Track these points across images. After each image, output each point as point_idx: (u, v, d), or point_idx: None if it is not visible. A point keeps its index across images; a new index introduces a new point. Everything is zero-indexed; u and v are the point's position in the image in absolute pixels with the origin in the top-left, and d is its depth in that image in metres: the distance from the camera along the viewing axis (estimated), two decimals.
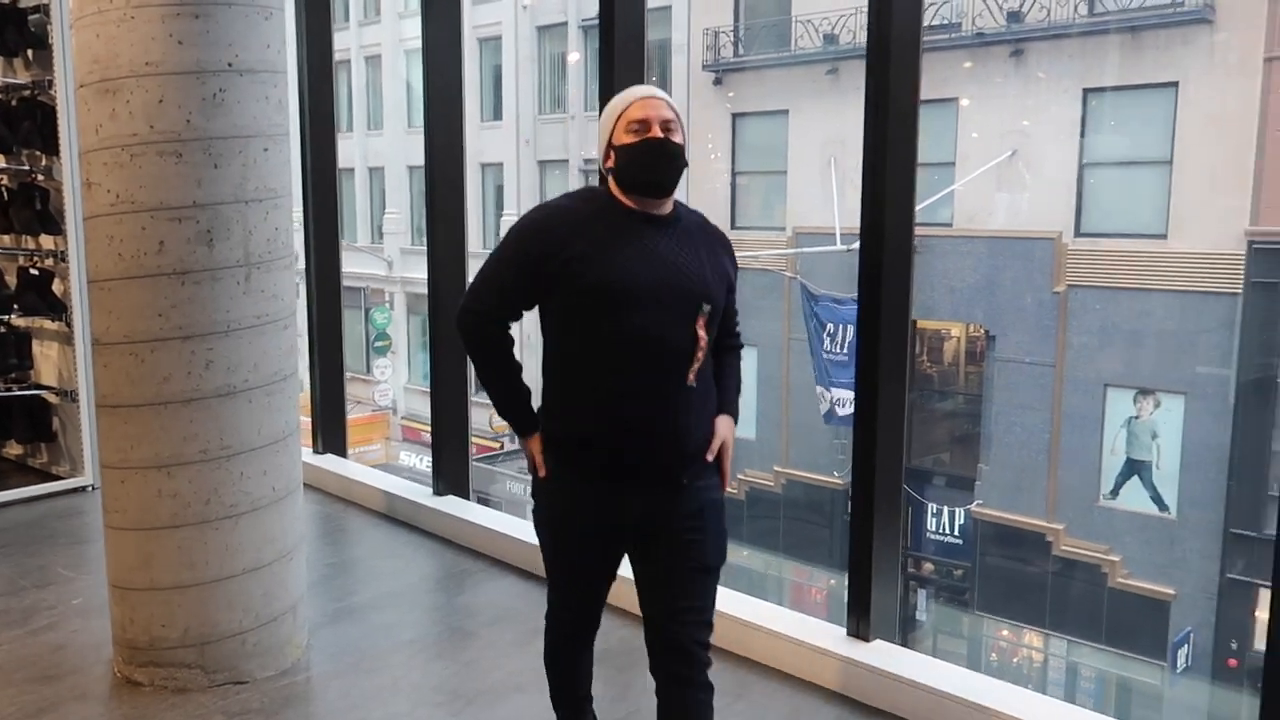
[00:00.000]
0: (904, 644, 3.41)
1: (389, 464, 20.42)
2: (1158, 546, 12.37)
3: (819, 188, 14.79)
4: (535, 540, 3.99)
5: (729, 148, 16.66)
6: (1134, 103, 12.67)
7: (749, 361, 15.98)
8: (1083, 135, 12.92)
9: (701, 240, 2.27)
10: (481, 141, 20.86)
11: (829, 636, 3.12)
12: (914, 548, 14.45)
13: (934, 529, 14.18)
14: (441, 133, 4.46)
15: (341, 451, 5.28)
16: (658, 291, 2.14)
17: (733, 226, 16.16)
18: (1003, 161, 13.39)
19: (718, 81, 16.80)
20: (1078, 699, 12.87)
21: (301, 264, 5.19)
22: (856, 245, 3.18)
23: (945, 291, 13.76)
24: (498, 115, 20.93)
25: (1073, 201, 12.95)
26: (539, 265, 2.17)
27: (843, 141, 14.01)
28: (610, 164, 2.24)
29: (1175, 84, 12.17)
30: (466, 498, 4.58)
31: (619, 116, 2.23)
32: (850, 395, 9.37)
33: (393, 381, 22.17)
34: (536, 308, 2.27)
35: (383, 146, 23.12)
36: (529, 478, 2.38)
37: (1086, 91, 12.90)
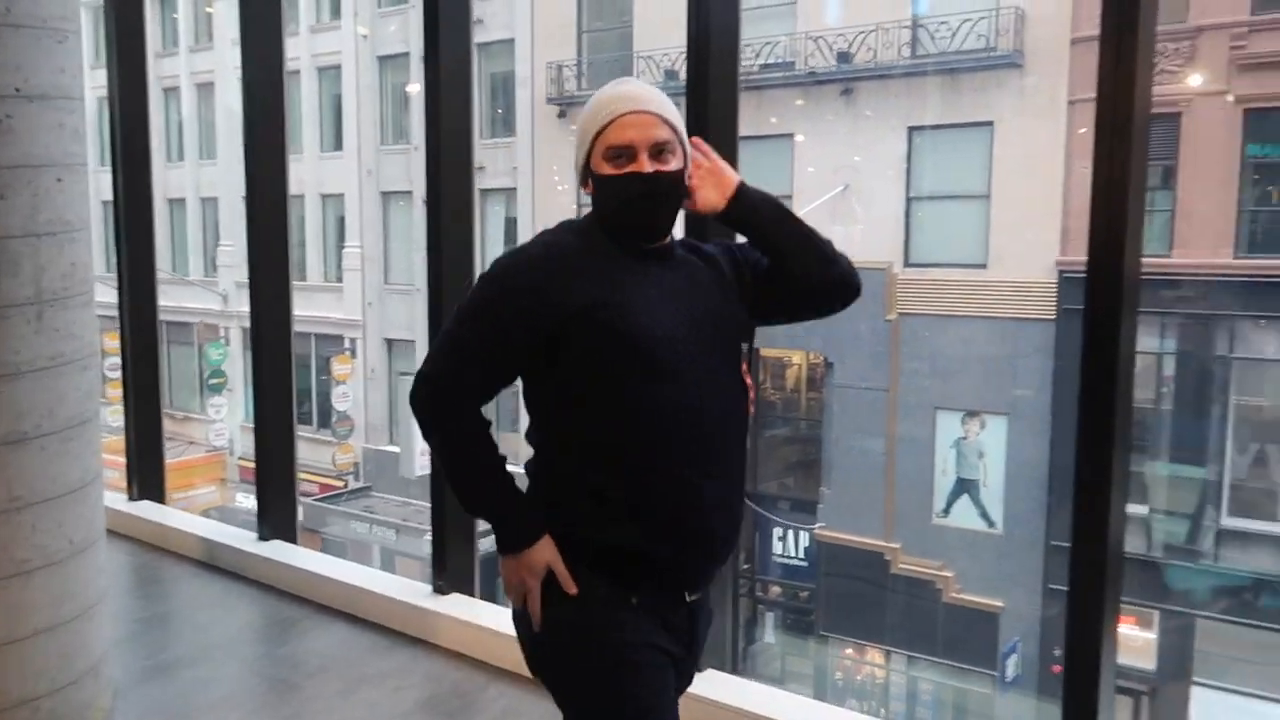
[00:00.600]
0: (751, 668, 3.47)
1: (225, 507, 19.48)
2: (986, 561, 13.00)
3: None
4: (365, 584, 3.90)
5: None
6: (954, 140, 13.42)
7: None
8: (909, 171, 13.60)
9: (705, 265, 1.85)
10: (322, 172, 20.33)
11: None
12: (761, 571, 14.73)
13: (780, 552, 14.50)
14: (262, 163, 4.30)
15: (159, 497, 4.99)
16: (696, 340, 1.74)
17: None
18: (836, 195, 13.93)
19: (562, 114, 16.90)
20: (917, 713, 13.34)
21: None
22: None
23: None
24: (338, 145, 20.46)
25: (901, 234, 13.59)
26: (540, 320, 1.69)
27: None
28: (589, 192, 1.81)
29: (990, 123, 12.98)
30: (294, 541, 4.39)
31: (596, 137, 1.76)
32: None
33: (229, 420, 21.20)
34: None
35: (217, 176, 22.23)
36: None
37: (911, 129, 13.60)
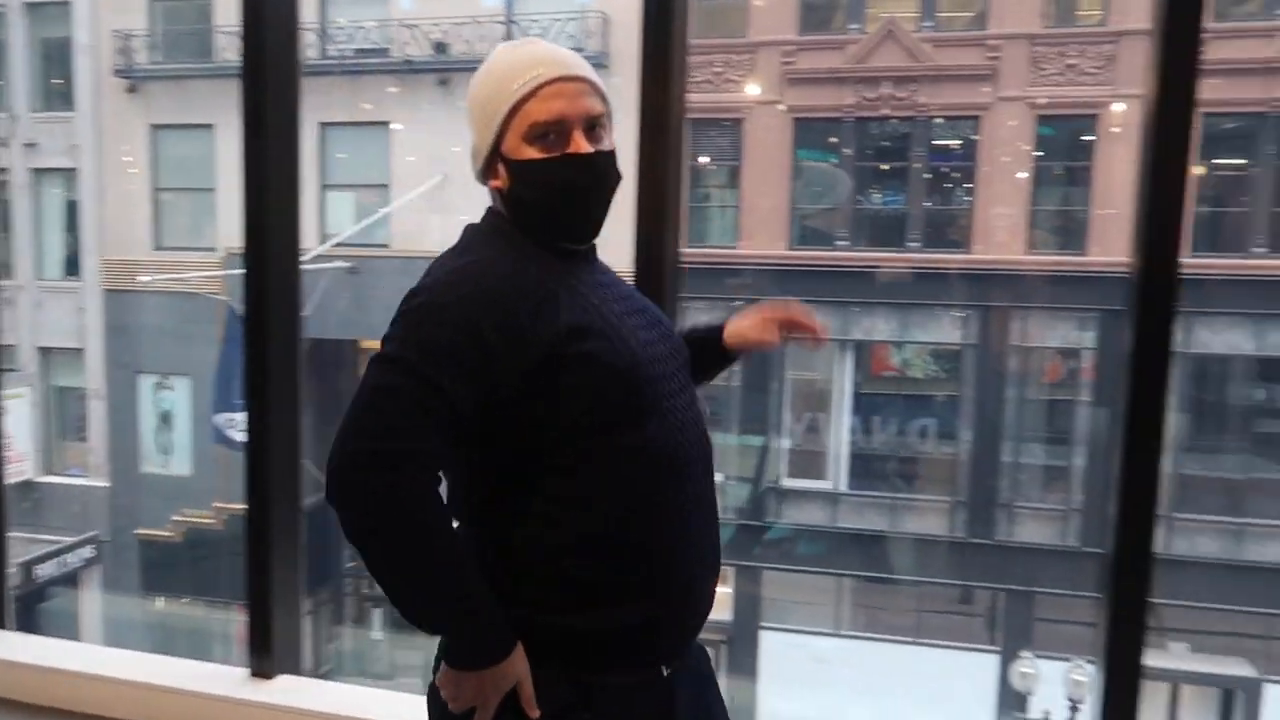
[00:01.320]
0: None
1: None
2: None
3: None
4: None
5: (149, 161, 15.32)
6: None
7: (181, 393, 14.82)
8: None
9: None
10: None
11: (229, 680, 2.94)
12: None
13: None
14: None
15: None
16: (666, 361, 1.45)
17: (157, 247, 14.88)
18: (435, 185, 13.90)
19: (132, 89, 15.34)
20: None
21: None
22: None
23: (385, 311, 13.85)
24: None
25: None
26: (513, 361, 1.31)
27: None
28: (499, 185, 1.46)
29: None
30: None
31: (513, 111, 1.42)
32: None
33: None
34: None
35: None
36: None
37: None
